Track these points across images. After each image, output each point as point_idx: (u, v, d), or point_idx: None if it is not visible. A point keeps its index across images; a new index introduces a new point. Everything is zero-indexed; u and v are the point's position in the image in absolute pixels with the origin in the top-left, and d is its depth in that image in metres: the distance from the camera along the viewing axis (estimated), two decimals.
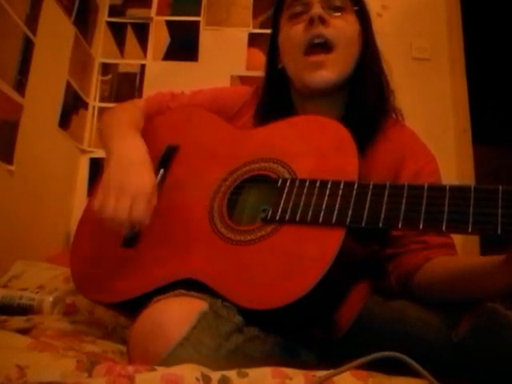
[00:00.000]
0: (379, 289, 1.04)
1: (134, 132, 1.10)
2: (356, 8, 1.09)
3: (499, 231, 0.70)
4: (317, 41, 1.05)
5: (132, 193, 0.92)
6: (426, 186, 0.78)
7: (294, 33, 1.08)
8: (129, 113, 1.21)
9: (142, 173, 0.97)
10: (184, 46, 2.61)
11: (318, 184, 0.86)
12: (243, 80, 2.54)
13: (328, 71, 1.05)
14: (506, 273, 0.80)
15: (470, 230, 0.72)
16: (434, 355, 0.86)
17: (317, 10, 1.04)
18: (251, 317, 0.80)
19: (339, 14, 1.07)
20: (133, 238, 1.01)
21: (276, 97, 1.15)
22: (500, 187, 0.72)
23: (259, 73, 2.56)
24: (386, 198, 0.80)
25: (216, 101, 1.20)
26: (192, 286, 0.83)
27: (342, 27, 1.06)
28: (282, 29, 1.12)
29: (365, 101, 1.08)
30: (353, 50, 1.08)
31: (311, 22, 1.04)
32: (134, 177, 0.95)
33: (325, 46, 1.05)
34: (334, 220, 0.81)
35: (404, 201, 0.78)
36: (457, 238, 1.05)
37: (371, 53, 1.11)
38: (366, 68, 1.10)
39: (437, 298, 0.96)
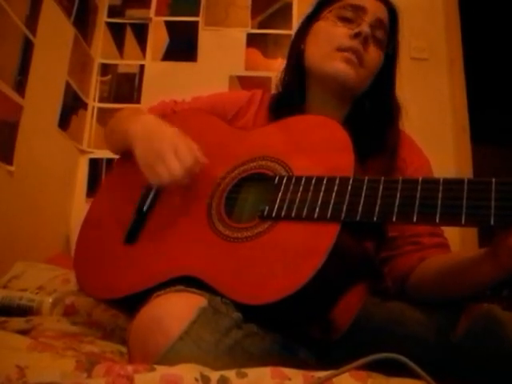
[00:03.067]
0: (377, 290, 1.04)
1: (142, 113, 1.13)
2: (388, 51, 1.13)
3: (492, 222, 0.70)
4: (351, 54, 1.07)
5: (169, 150, 0.94)
6: (420, 179, 0.79)
7: (335, 32, 1.10)
8: (133, 111, 1.24)
9: (165, 131, 1.00)
10: (183, 47, 2.61)
11: (313, 181, 0.87)
12: (242, 80, 2.54)
13: (353, 72, 1.08)
14: (490, 266, 0.80)
15: (463, 221, 0.73)
16: (433, 356, 0.87)
17: (368, 29, 1.07)
18: (249, 314, 0.80)
19: (377, 44, 1.10)
20: (134, 235, 1.02)
21: (292, 81, 1.18)
22: (493, 179, 0.73)
23: (258, 73, 2.58)
24: (380, 192, 0.80)
25: (214, 106, 1.22)
26: (191, 282, 0.83)
27: (374, 57, 1.10)
28: (323, 17, 1.14)
29: (362, 125, 1.10)
30: (370, 79, 1.12)
31: (357, 35, 1.07)
32: (160, 138, 0.98)
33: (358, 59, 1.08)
34: (329, 215, 0.82)
35: (398, 194, 0.78)
36: (455, 237, 1.05)
37: (383, 93, 1.15)
38: (372, 102, 1.14)
39: (431, 297, 0.97)
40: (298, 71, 1.16)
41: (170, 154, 0.94)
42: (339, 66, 1.07)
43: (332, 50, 1.08)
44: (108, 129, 1.25)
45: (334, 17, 1.11)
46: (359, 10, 1.09)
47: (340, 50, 1.07)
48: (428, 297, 0.97)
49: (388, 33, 1.13)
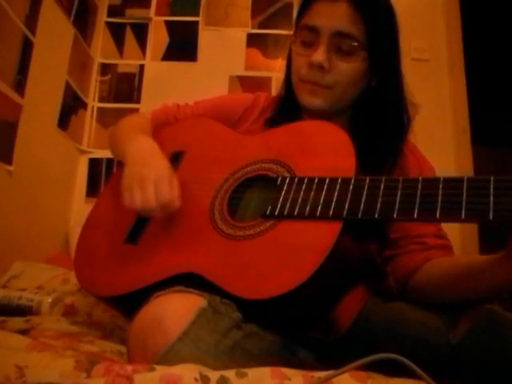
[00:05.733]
0: (378, 290, 1.04)
1: (143, 134, 1.14)
2: (365, 53, 1.05)
3: (491, 217, 0.71)
4: (312, 85, 1.06)
5: (153, 180, 0.95)
6: (420, 178, 0.81)
7: (297, 62, 1.09)
8: (137, 121, 1.25)
9: (157, 161, 1.02)
10: (183, 46, 2.61)
11: (315, 181, 0.88)
12: (242, 80, 2.54)
13: (320, 100, 1.07)
14: (505, 269, 0.80)
15: (463, 217, 0.74)
16: (433, 357, 0.87)
17: (319, 56, 1.03)
18: (250, 313, 0.80)
19: (343, 56, 1.04)
20: (136, 234, 1.03)
21: (288, 101, 1.16)
22: (492, 177, 0.74)
23: (258, 73, 2.58)
24: (381, 190, 0.82)
25: (218, 110, 1.23)
26: (192, 283, 0.83)
27: (341, 73, 1.05)
28: (295, 37, 1.12)
29: (366, 129, 1.08)
30: (352, 89, 1.08)
31: (311, 66, 1.05)
32: (150, 166, 0.99)
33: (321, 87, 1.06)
34: (331, 213, 0.83)
35: (399, 192, 0.80)
36: (455, 237, 1.05)
37: (383, 87, 1.10)
38: (373, 99, 1.10)
39: (436, 299, 0.96)
40: (289, 90, 1.15)
41: (151, 184, 0.95)
42: (305, 99, 1.08)
43: (298, 80, 1.09)
44: (110, 138, 1.26)
45: (298, 41, 1.09)
46: (313, 31, 1.05)
47: (302, 81, 1.08)
48: (434, 298, 0.97)
49: (361, 32, 1.03)
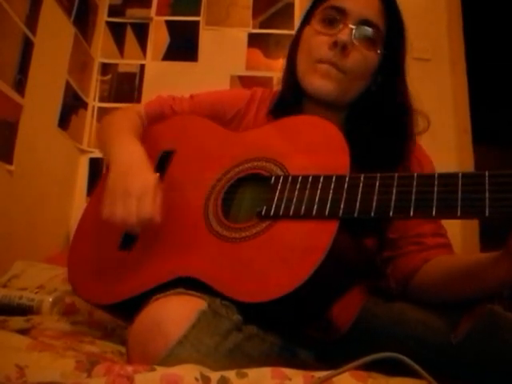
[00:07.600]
0: (379, 290, 1.04)
1: (131, 137, 1.09)
2: (382, 51, 1.07)
3: (487, 213, 0.71)
4: (330, 66, 1.04)
5: (136, 194, 0.91)
6: (415, 175, 0.80)
7: (315, 42, 1.07)
8: (126, 119, 1.20)
9: (143, 173, 0.96)
10: (184, 46, 2.61)
11: (310, 179, 0.87)
12: (243, 80, 2.54)
13: (332, 84, 1.05)
14: (506, 266, 0.80)
15: (458, 213, 0.73)
16: (434, 357, 0.87)
17: (344, 36, 1.02)
18: (249, 314, 0.80)
19: (365, 45, 1.05)
20: (130, 240, 1.01)
21: (289, 92, 1.15)
22: (486, 172, 0.74)
23: (259, 73, 2.58)
24: (376, 188, 0.81)
25: (215, 104, 1.21)
26: (190, 285, 0.83)
27: (359, 60, 1.05)
28: (310, 25, 1.11)
29: (363, 130, 1.06)
30: (361, 82, 1.08)
31: (334, 45, 1.03)
32: (135, 178, 0.94)
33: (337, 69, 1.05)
34: (327, 212, 0.82)
35: (394, 190, 0.79)
36: (457, 235, 1.04)
37: (386, 88, 1.10)
38: (372, 101, 1.09)
39: (437, 299, 0.96)
40: (292, 78, 1.14)
41: (134, 199, 0.91)
42: (316, 83, 1.05)
43: (312, 62, 1.06)
44: (100, 132, 1.23)
45: (318, 20, 1.08)
46: (340, 12, 1.05)
47: (318, 61, 1.05)
48: (434, 298, 0.97)
49: (383, 27, 1.06)
